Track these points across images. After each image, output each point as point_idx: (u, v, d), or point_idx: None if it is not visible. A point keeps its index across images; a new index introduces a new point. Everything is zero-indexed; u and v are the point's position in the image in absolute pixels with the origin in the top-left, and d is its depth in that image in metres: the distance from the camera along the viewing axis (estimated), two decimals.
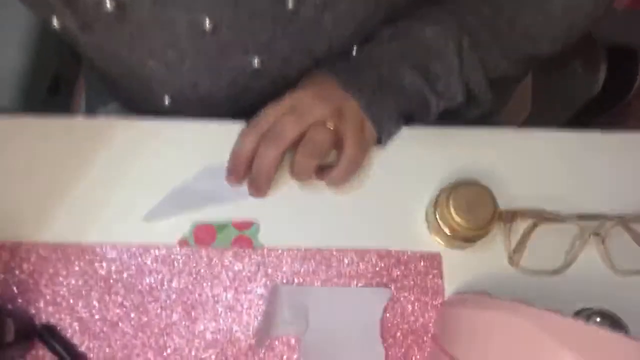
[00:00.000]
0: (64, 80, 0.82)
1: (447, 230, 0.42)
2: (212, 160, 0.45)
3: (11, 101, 0.71)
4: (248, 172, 0.43)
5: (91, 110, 0.67)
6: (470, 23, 0.46)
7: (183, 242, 0.44)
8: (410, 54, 0.45)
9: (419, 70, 0.45)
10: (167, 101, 0.49)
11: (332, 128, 0.42)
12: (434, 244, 0.45)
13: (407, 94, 0.45)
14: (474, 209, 0.41)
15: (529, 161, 0.48)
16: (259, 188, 0.43)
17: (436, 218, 0.43)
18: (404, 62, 0.45)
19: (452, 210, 0.41)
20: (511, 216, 0.45)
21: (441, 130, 0.48)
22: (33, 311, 0.41)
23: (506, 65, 0.48)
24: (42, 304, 0.41)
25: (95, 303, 0.42)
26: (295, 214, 0.45)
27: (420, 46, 0.45)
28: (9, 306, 0.41)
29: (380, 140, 0.46)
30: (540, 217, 0.45)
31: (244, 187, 0.44)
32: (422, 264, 0.44)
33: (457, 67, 0.45)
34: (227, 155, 0.45)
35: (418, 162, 0.47)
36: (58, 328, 0.41)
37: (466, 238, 0.42)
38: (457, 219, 0.41)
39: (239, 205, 0.45)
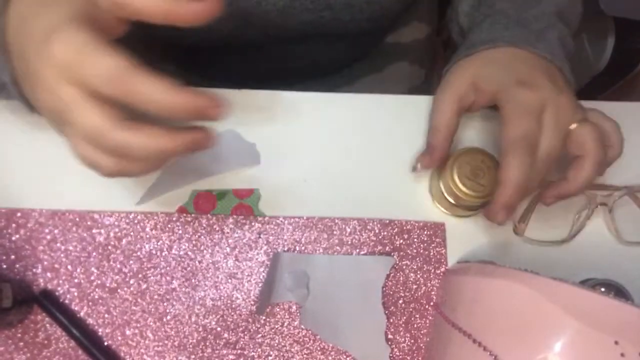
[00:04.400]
0: None
1: (451, 199, 0.41)
2: (210, 124, 0.44)
3: None
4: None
5: None
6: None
7: (183, 210, 0.43)
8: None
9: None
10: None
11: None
12: (438, 213, 0.44)
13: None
14: (478, 176, 0.40)
15: None
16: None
17: (440, 186, 0.42)
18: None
19: (456, 178, 0.40)
20: None
21: None
22: (31, 277, 0.41)
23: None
24: (40, 270, 0.41)
25: (94, 269, 0.41)
26: (296, 183, 0.44)
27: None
28: (7, 272, 0.41)
29: None
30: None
31: (237, 159, 0.43)
32: (425, 233, 0.43)
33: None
34: (226, 121, 0.44)
35: (423, 131, 0.46)
36: (56, 294, 0.41)
37: (470, 206, 0.42)
38: (462, 187, 0.40)
39: (239, 173, 0.44)
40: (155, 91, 0.28)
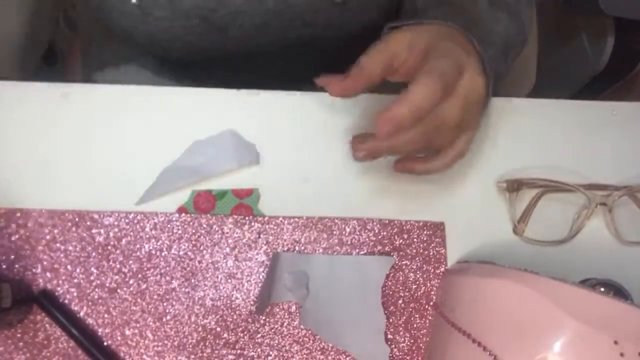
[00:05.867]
0: (59, 51, 0.81)
1: None
2: (210, 124, 0.44)
3: (5, 69, 0.70)
4: None
5: (87, 80, 0.66)
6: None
7: (182, 210, 0.43)
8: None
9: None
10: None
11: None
12: (438, 213, 0.44)
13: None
14: None
15: (536, 131, 0.47)
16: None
17: None
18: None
19: None
20: (517, 186, 0.44)
21: None
22: (30, 277, 0.41)
23: None
24: (39, 270, 0.41)
25: (94, 269, 0.41)
26: (296, 183, 0.44)
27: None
28: (6, 272, 0.41)
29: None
30: (547, 186, 0.44)
31: (237, 158, 0.43)
32: (425, 232, 0.43)
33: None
34: (226, 121, 0.44)
35: None
36: (56, 294, 0.41)
37: None
38: None
39: (239, 173, 0.44)
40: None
